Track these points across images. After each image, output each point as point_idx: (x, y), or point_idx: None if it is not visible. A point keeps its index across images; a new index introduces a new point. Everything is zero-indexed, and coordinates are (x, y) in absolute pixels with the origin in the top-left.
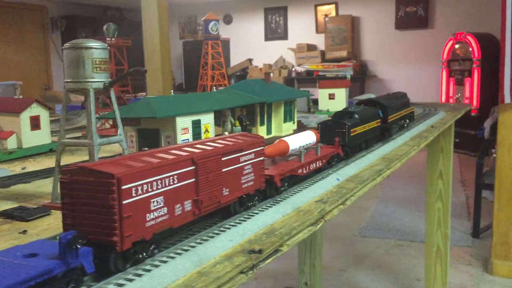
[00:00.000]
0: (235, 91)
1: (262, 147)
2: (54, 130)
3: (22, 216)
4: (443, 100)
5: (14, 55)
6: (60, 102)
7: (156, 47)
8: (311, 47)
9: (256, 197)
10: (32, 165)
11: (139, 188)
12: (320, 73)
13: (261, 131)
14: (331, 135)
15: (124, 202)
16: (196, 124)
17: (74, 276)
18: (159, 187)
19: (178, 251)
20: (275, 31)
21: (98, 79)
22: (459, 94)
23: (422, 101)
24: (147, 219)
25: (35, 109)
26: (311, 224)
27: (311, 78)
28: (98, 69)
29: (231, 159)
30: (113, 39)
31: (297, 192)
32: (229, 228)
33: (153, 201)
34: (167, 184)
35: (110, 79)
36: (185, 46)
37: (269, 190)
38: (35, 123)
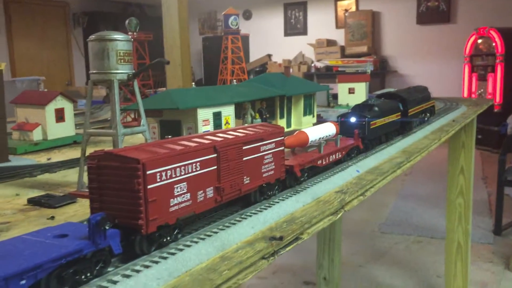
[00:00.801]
0: (255, 84)
1: (283, 137)
2: (78, 122)
3: (49, 203)
4: (465, 95)
5: (37, 51)
6: (82, 97)
7: (176, 42)
8: (330, 43)
9: (276, 187)
10: (57, 156)
11: (163, 173)
12: (339, 69)
13: (281, 124)
14: (351, 127)
15: (149, 186)
16: (217, 116)
17: (103, 257)
18: (182, 173)
19: (201, 236)
20: (295, 27)
21: (122, 71)
22: (482, 90)
23: (443, 96)
24: (171, 204)
25: (60, 102)
26: (331, 214)
27: (330, 74)
28: (122, 60)
29: (252, 148)
30: (135, 33)
31: (317, 182)
32: (250, 216)
33: (177, 187)
34: (190, 171)
35: (133, 71)
36: (205, 41)
37: (289, 180)
38: (60, 115)
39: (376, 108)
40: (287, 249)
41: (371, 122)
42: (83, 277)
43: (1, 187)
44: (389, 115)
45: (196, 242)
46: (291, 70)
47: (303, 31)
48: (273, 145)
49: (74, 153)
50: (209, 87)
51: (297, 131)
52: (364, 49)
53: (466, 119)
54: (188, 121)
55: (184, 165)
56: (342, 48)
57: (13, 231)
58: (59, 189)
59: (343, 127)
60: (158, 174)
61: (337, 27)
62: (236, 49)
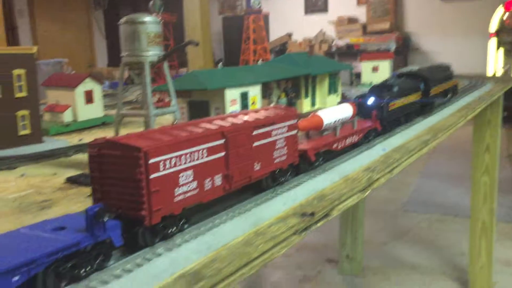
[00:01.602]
0: (280, 64)
1: (296, 121)
2: (105, 104)
3: (87, 182)
4: (491, 72)
5: (59, 34)
6: (104, 78)
7: (197, 23)
8: (352, 20)
9: (289, 172)
10: (88, 137)
11: (167, 162)
12: (361, 47)
13: (306, 103)
14: (369, 108)
15: (152, 176)
16: (244, 96)
17: (103, 250)
18: (188, 161)
19: (236, 213)
20: (315, 4)
21: (153, 52)
22: (508, 66)
23: (468, 73)
24: (176, 194)
25: (89, 84)
26: (359, 191)
27: (351, 52)
28: (152, 42)
29: (263, 133)
30: (159, 14)
31: (345, 161)
32: (281, 193)
33: (182, 175)
34: (196, 158)
35: (163, 52)
36: (225, 21)
37: (303, 165)
38: (89, 97)
39: (396, 89)
40: (318, 225)
41: (390, 103)
42: (82, 271)
43: (39, 167)
44: (409, 95)
45: (231, 219)
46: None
47: (324, 9)
48: (285, 129)
49: (103, 134)
50: (235, 67)
51: (312, 114)
52: (386, 26)
53: (492, 96)
54: (216, 102)
55: (190, 153)
56: (364, 26)
57: (55, 208)
58: None
59: (361, 109)
60: (161, 162)
61: (359, 3)
62: (258, 28)
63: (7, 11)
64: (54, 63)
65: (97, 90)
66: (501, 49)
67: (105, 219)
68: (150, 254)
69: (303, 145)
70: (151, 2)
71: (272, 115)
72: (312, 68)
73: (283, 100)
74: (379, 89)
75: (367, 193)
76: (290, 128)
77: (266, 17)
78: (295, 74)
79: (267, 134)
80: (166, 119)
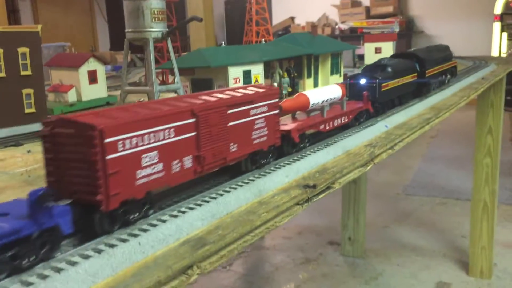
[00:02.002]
0: (283, 43)
1: (277, 99)
2: (109, 85)
3: None
4: (495, 54)
5: (61, 17)
6: (107, 62)
7: (199, 6)
8: (355, 3)
9: (271, 154)
10: None
11: (127, 141)
12: (364, 30)
13: (308, 83)
14: (361, 89)
15: (109, 157)
16: (247, 74)
17: (50, 238)
18: (152, 140)
19: (239, 183)
20: None
21: (156, 29)
22: None
23: (472, 55)
24: (138, 176)
25: (92, 64)
26: (361, 165)
27: (355, 36)
28: (156, 19)
29: (239, 112)
30: None
31: (347, 136)
32: (284, 166)
33: (145, 157)
34: (162, 138)
35: (167, 29)
36: (227, 5)
37: (286, 146)
38: (92, 77)
39: (389, 69)
40: (320, 196)
41: (383, 84)
42: (24, 261)
43: None
44: (403, 76)
45: (235, 188)
46: None
47: None
48: (265, 108)
49: None
50: (238, 46)
51: (297, 93)
52: (389, 9)
53: (496, 77)
54: (219, 79)
55: (154, 132)
56: (367, 9)
57: None
58: None
59: (353, 90)
60: (120, 142)
61: None
62: (261, 10)
63: None
64: (56, 47)
65: (101, 70)
66: (505, 33)
67: (50, 204)
68: (155, 221)
69: (287, 125)
70: None
71: (251, 94)
72: (315, 48)
73: (286, 79)
74: (372, 70)
75: (368, 168)
76: (271, 107)
77: (269, 0)
78: (297, 53)
79: (245, 113)
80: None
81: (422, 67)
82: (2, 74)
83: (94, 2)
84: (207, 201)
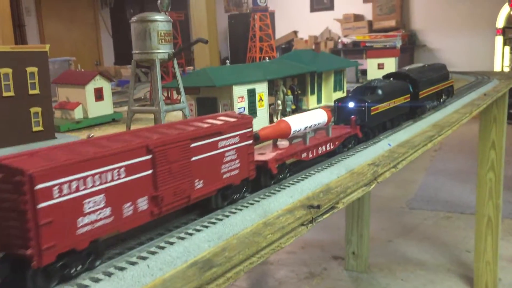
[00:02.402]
0: (287, 61)
1: (250, 129)
2: (114, 102)
3: None
4: (497, 69)
5: (66, 32)
6: (112, 79)
7: (203, 21)
8: (358, 17)
9: (244, 188)
10: (98, 133)
11: (65, 186)
12: (367, 44)
13: (312, 100)
14: (349, 113)
15: (41, 205)
16: (251, 93)
17: None
18: (97, 183)
19: (245, 204)
20: (321, 2)
21: (163, 50)
22: None
23: (474, 70)
24: (80, 225)
25: (99, 81)
26: (364, 185)
27: (357, 49)
28: (163, 40)
29: (205, 145)
30: (167, 13)
31: (350, 156)
32: (288, 186)
33: (89, 202)
34: (109, 179)
35: (173, 50)
36: (230, 19)
37: (264, 178)
38: (99, 94)
39: (380, 91)
40: (324, 217)
41: (372, 108)
42: None
43: None
44: (395, 98)
45: (241, 210)
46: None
47: (330, 6)
48: (237, 139)
49: (114, 130)
50: (242, 64)
51: (278, 120)
52: (392, 23)
53: (498, 92)
54: (224, 98)
55: (100, 173)
56: (370, 23)
57: None
58: None
59: (341, 114)
60: (56, 187)
61: (365, 1)
62: (264, 26)
63: (15, 9)
64: (62, 61)
65: (107, 88)
66: (507, 47)
67: None
68: (163, 243)
69: (264, 155)
70: (159, 1)
71: (219, 124)
72: (318, 65)
73: (290, 97)
74: (361, 92)
75: (372, 187)
76: (244, 137)
77: (272, 15)
78: (301, 71)
79: (212, 146)
80: (174, 116)
81: (415, 88)
82: (11, 93)
83: (99, 17)
84: (213, 223)
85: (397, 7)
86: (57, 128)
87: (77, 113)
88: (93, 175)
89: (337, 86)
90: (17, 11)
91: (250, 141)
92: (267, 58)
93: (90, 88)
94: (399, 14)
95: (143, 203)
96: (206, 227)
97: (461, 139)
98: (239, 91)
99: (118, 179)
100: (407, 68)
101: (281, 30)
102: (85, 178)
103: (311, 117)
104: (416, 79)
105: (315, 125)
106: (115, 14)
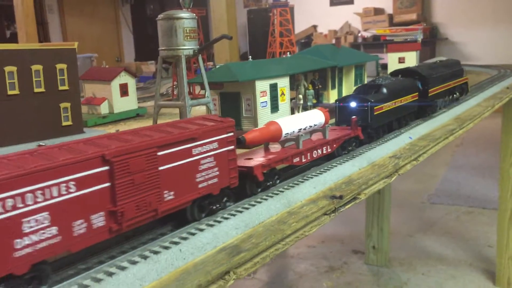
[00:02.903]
0: (308, 56)
1: (231, 133)
2: (137, 97)
3: None
4: None
5: (88, 29)
6: (136, 76)
7: (223, 17)
8: (378, 11)
9: (225, 198)
10: (124, 128)
11: None
12: (387, 38)
13: (332, 94)
14: (351, 113)
15: None
16: (273, 88)
17: None
18: (39, 200)
19: (270, 194)
20: None
21: (188, 46)
22: None
23: (497, 63)
24: (18, 247)
25: (124, 77)
26: (386, 177)
27: (378, 43)
28: (188, 37)
29: (176, 152)
30: (189, 9)
31: (372, 148)
32: (311, 178)
33: (28, 221)
34: (55, 195)
35: (198, 46)
36: (249, 14)
37: (250, 186)
38: (124, 90)
39: (385, 90)
40: (347, 207)
41: (376, 107)
42: None
43: None
44: (402, 96)
45: (266, 199)
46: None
47: (350, 0)
48: (214, 144)
49: (138, 125)
50: (264, 60)
51: (268, 122)
52: (413, 16)
53: None
54: (247, 93)
55: (43, 188)
56: (390, 17)
57: None
58: None
59: (342, 114)
60: None
61: None
62: (284, 21)
63: (38, 7)
64: (84, 58)
65: (131, 83)
66: None
67: None
68: (193, 229)
69: (250, 161)
70: None
71: (193, 130)
72: (339, 60)
73: (311, 91)
74: (365, 91)
75: (393, 179)
76: (223, 143)
77: (291, 9)
78: (322, 65)
79: (184, 154)
80: (196, 110)
81: (424, 86)
82: (42, 89)
83: (119, 13)
84: (240, 211)
85: (418, 0)
86: (84, 123)
87: (103, 108)
88: (34, 190)
89: (358, 81)
90: (40, 9)
91: (231, 147)
92: (288, 53)
93: (115, 84)
94: (420, 7)
95: (99, 220)
96: (234, 215)
97: (483, 133)
98: (262, 86)
99: (67, 194)
100: (417, 64)
101: (300, 25)
102: (23, 194)
103: (306, 118)
104: (426, 76)
105: (310, 127)
106: (136, 10)
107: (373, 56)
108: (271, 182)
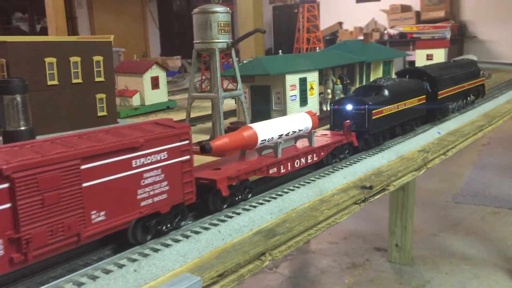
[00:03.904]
0: (336, 51)
1: (186, 141)
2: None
3: None
4: None
5: (115, 24)
6: (168, 69)
7: (249, 12)
8: (405, 8)
9: (179, 217)
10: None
11: None
12: (414, 35)
13: None
14: (347, 117)
15: None
16: (303, 82)
17: None
18: None
19: (302, 183)
20: None
21: (222, 40)
22: None
23: None
24: None
25: (155, 70)
26: (414, 170)
27: (404, 41)
28: (222, 31)
29: (108, 165)
30: (219, 3)
31: (400, 142)
32: (341, 168)
33: None
34: None
35: (231, 40)
36: (275, 10)
37: (213, 201)
38: (155, 83)
39: (386, 91)
40: (376, 197)
41: (374, 111)
42: None
43: None
44: (407, 99)
45: (298, 187)
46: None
47: None
48: (163, 155)
49: (169, 116)
50: (294, 54)
51: (243, 126)
52: (441, 14)
53: None
54: (277, 86)
55: None
56: (418, 14)
57: None
58: None
59: (338, 118)
60: None
61: None
62: (312, 17)
63: (67, 1)
64: (112, 52)
65: (162, 77)
66: None
67: None
68: (230, 213)
69: (216, 172)
70: None
71: (134, 137)
72: (367, 55)
73: (339, 86)
74: (365, 92)
75: (421, 172)
76: (175, 152)
77: (318, 6)
78: (350, 61)
79: (121, 166)
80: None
81: (433, 87)
82: (79, 80)
83: (146, 9)
84: (274, 198)
85: None
86: (117, 114)
87: (135, 100)
88: None
89: (386, 76)
90: (69, 4)
91: (187, 157)
92: (317, 48)
93: (147, 76)
94: (449, 4)
95: None
96: (268, 201)
97: (511, 133)
98: (291, 80)
99: None
100: (427, 63)
101: (326, 21)
102: None
103: (288, 123)
104: (435, 77)
105: (293, 132)
106: (162, 6)
107: (401, 52)
108: (240, 197)
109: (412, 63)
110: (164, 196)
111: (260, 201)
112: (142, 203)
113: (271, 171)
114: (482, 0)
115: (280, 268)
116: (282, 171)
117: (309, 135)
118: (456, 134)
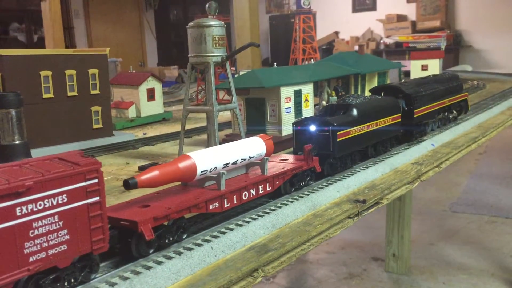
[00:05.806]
0: (331, 63)
1: (94, 180)
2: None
3: None
4: None
5: (112, 33)
6: (163, 81)
7: (245, 23)
8: (401, 18)
9: (87, 270)
10: (151, 131)
11: None
12: (410, 45)
13: None
14: (310, 139)
15: None
16: (298, 94)
17: None
18: None
19: (295, 197)
20: (363, 2)
21: (217, 54)
22: None
23: None
24: None
25: (151, 82)
26: (408, 183)
27: (400, 50)
28: (217, 44)
29: None
30: (214, 16)
31: (394, 155)
32: (335, 182)
33: None
34: None
35: (226, 54)
36: (271, 20)
37: (137, 246)
38: (151, 95)
39: (355, 110)
40: (370, 211)
41: (340, 132)
42: None
43: (112, 157)
44: (378, 118)
45: (292, 202)
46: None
47: (372, 7)
48: (61, 198)
49: (165, 129)
50: (289, 66)
51: (181, 155)
52: (436, 23)
53: None
54: (272, 99)
55: None
56: (413, 23)
57: (134, 191)
58: (161, 159)
59: (300, 140)
60: None
61: (408, 1)
62: (308, 28)
63: (64, 11)
64: (109, 62)
65: (158, 88)
66: None
67: None
68: (224, 229)
69: (142, 210)
70: (207, 5)
71: (18, 180)
72: (362, 67)
73: (334, 98)
74: (332, 111)
75: (415, 185)
76: (80, 194)
77: (313, 16)
78: (345, 72)
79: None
80: (221, 116)
81: (409, 105)
82: (75, 93)
83: (143, 19)
84: (267, 213)
85: (442, 7)
86: (113, 125)
87: (131, 112)
88: None
89: None
90: (66, 14)
91: (95, 198)
92: (312, 60)
93: (143, 88)
94: (444, 14)
95: None
96: (261, 216)
97: (507, 142)
98: (286, 92)
99: None
100: (403, 80)
101: (322, 31)
102: None
103: (236, 149)
104: (410, 94)
105: (242, 160)
106: (159, 16)
107: (396, 64)
108: (171, 239)
109: (407, 73)
110: (63, 247)
111: (253, 216)
112: (31, 258)
113: (211, 207)
114: (478, 10)
115: (277, 278)
116: (226, 205)
117: (261, 162)
118: (450, 146)
